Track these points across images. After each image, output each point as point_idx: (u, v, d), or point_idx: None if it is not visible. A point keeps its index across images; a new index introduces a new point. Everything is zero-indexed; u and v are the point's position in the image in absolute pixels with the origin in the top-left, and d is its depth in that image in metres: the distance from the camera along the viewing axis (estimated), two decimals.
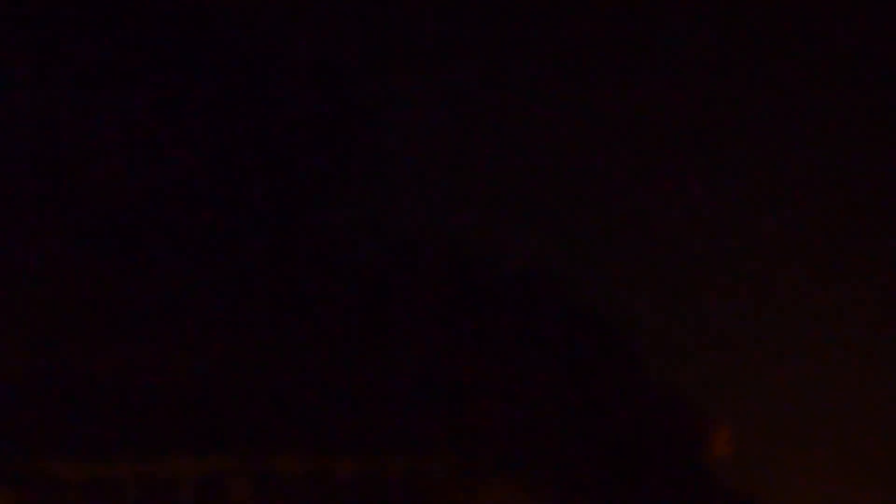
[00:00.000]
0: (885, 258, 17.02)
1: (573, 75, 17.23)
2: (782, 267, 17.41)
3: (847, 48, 17.16)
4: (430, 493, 15.40)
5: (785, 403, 17.55)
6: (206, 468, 14.77)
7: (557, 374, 17.39)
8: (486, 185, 17.22)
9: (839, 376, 17.33)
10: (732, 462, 17.38)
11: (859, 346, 17.20)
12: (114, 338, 14.48)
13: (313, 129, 15.97)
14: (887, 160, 16.90)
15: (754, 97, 17.27)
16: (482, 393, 16.92)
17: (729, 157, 17.32)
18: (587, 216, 17.89)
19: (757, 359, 17.97)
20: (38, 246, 14.08)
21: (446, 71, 16.84)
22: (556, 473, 17.56)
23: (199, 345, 14.93)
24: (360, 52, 16.31)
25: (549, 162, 17.43)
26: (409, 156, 16.26)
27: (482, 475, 16.70)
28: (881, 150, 17.04)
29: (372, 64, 16.38)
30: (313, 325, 15.49)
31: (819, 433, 17.25)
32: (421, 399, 16.47)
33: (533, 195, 17.46)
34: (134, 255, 14.84)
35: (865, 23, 16.95)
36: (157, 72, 15.04)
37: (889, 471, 16.66)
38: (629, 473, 17.16)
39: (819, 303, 17.36)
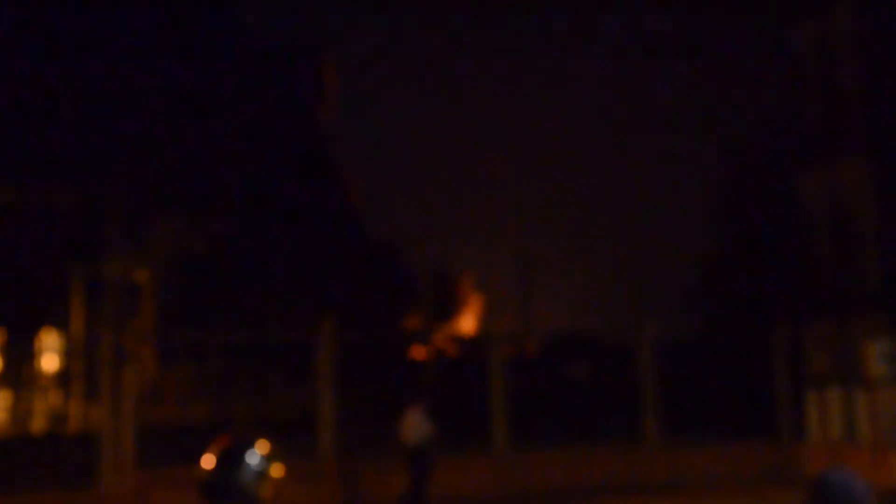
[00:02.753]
0: None
1: None
2: None
3: None
4: (99, 224, 16.09)
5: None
6: None
7: (225, 111, 18.08)
8: None
9: None
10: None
11: None
12: None
13: None
14: None
15: None
16: (154, 128, 17.52)
17: None
18: None
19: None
20: None
21: None
22: (226, 207, 18.40)
23: None
24: None
25: None
26: None
27: (152, 209, 17.42)
28: None
29: None
30: None
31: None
32: (92, 131, 16.95)
33: None
34: None
35: None
36: None
37: None
38: (281, 201, 18.17)
39: None
